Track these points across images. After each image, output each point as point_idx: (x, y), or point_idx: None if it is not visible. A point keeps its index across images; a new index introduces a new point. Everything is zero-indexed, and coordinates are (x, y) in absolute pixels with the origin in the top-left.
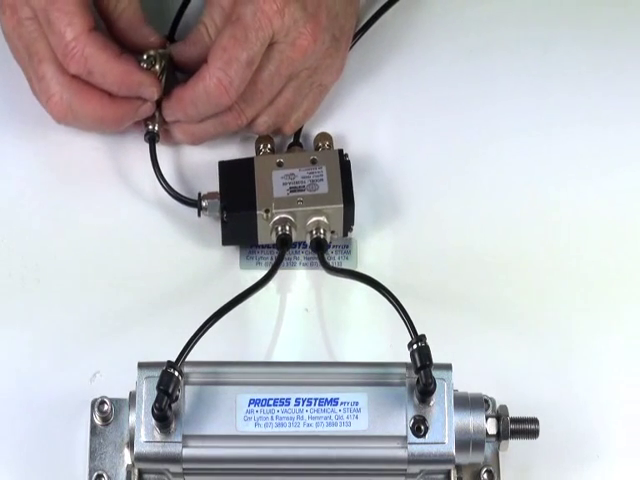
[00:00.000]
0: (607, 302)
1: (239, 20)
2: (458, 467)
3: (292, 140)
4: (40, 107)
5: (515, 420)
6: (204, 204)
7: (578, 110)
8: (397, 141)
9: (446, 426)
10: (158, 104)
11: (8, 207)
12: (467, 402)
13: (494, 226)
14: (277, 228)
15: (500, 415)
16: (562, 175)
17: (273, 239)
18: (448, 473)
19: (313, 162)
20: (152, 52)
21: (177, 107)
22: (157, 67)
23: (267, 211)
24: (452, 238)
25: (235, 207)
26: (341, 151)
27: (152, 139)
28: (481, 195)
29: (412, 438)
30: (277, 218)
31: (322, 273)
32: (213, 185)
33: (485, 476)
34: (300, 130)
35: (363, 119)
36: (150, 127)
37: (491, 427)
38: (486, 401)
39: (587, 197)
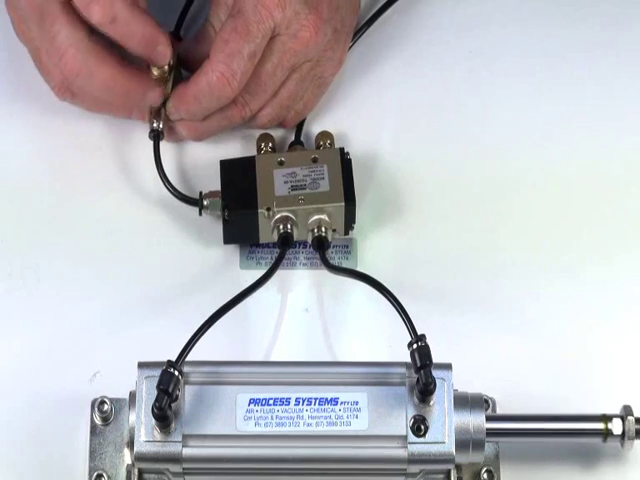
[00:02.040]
0: (609, 301)
1: (240, 13)
2: (458, 467)
3: (293, 139)
4: (41, 106)
5: None
6: (205, 203)
7: (579, 112)
8: (398, 140)
9: (446, 426)
10: (164, 100)
11: (9, 206)
12: (467, 402)
13: (495, 226)
14: (278, 226)
15: (624, 415)
16: (565, 175)
17: (274, 237)
18: (448, 473)
19: (314, 161)
20: None
21: (180, 105)
22: (165, 67)
23: (268, 209)
24: (453, 238)
25: (236, 205)
26: (342, 149)
27: (156, 137)
28: (482, 194)
29: (412, 438)
30: (278, 216)
31: (322, 273)
32: (214, 184)
33: (485, 476)
34: (301, 128)
35: (364, 118)
36: (155, 125)
37: (617, 427)
38: (486, 401)
39: (591, 199)
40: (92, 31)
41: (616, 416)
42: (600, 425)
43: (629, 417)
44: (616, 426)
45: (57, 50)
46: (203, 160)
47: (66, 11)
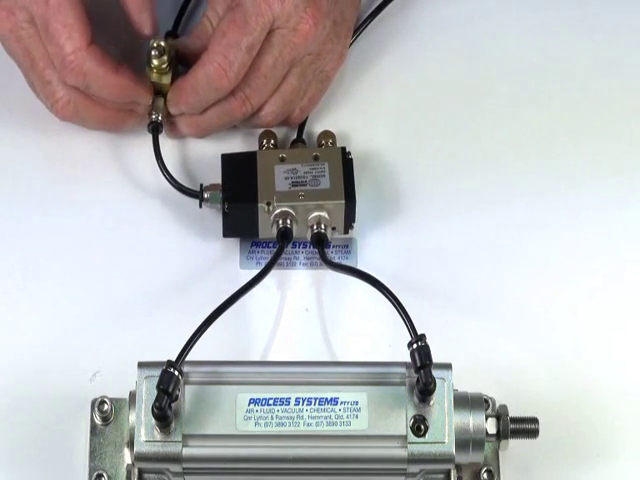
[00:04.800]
0: (609, 302)
1: (239, 6)
2: (458, 467)
3: (295, 137)
4: (39, 103)
5: (515, 420)
6: (206, 195)
7: (579, 109)
8: (399, 140)
9: (446, 426)
10: (164, 95)
11: (7, 204)
12: (467, 402)
13: (495, 225)
14: (278, 221)
15: (500, 414)
16: (565, 180)
17: (274, 232)
18: (448, 473)
19: (316, 158)
20: (162, 43)
21: (179, 97)
22: (165, 57)
23: (268, 204)
24: (453, 238)
25: (237, 199)
26: (344, 149)
27: (155, 129)
28: (482, 193)
29: (412, 437)
30: (278, 211)
31: (322, 273)
32: (215, 179)
33: (485, 476)
34: (303, 126)
35: (366, 118)
36: (154, 117)
37: (491, 427)
38: (486, 401)
39: (591, 209)
40: None
41: (491, 416)
42: None
43: (504, 417)
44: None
45: (51, 95)
46: (204, 155)
47: None
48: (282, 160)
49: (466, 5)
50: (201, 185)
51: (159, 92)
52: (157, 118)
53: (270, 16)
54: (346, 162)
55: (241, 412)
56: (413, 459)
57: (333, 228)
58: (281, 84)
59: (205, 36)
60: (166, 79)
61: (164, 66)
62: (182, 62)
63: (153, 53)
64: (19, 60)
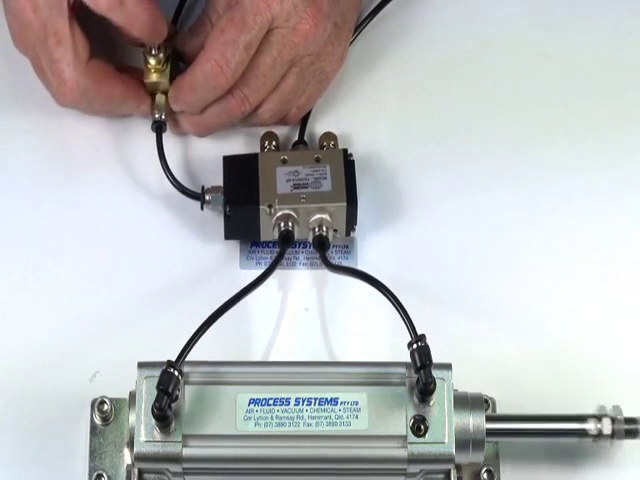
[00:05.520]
0: (608, 302)
1: (238, 5)
2: (458, 467)
3: (297, 138)
4: (41, 102)
5: (629, 420)
6: (207, 197)
7: (581, 110)
8: (400, 141)
9: (446, 426)
10: (166, 93)
11: (8, 204)
12: (467, 402)
13: (495, 226)
14: (279, 224)
15: (614, 416)
16: (564, 174)
17: (275, 235)
18: (448, 473)
19: (317, 160)
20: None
21: (179, 95)
22: (161, 55)
23: (270, 206)
24: (453, 238)
25: (238, 201)
26: (345, 150)
27: (159, 128)
28: (483, 195)
29: (412, 438)
30: (280, 214)
31: (323, 273)
32: (217, 180)
33: (485, 476)
34: (305, 128)
35: (367, 119)
36: (157, 116)
37: (606, 428)
38: (486, 401)
39: (589, 202)
40: (93, 51)
41: (605, 416)
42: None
43: (618, 417)
44: (605, 426)
45: (58, 75)
46: (206, 156)
47: (71, 30)
48: (284, 162)
49: (467, 5)
50: (202, 187)
51: (160, 90)
52: (160, 117)
53: (269, 15)
54: (348, 164)
55: (241, 412)
56: (413, 459)
57: (335, 230)
58: (279, 83)
59: (203, 32)
60: (164, 77)
61: (161, 64)
62: (181, 58)
63: (149, 52)
64: (30, 38)
